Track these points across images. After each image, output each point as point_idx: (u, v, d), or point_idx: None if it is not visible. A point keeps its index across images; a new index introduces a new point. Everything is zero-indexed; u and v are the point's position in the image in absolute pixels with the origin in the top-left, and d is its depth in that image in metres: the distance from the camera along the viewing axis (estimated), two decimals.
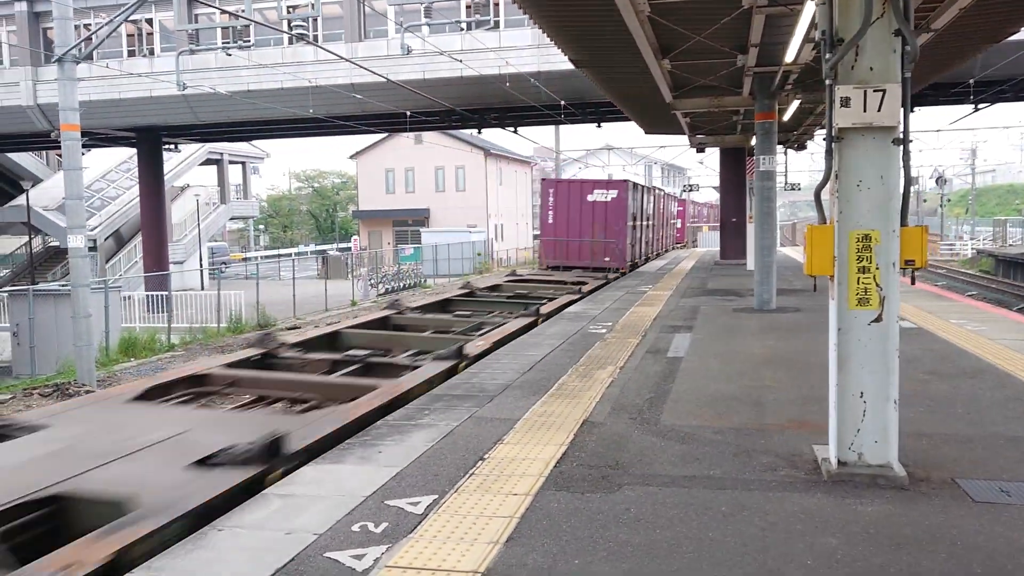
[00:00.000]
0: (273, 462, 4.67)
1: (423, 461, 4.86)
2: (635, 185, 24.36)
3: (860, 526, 3.80)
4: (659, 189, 33.97)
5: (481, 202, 54.02)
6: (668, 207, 35.76)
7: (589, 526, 3.85)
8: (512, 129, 29.38)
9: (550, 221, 22.85)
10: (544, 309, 12.29)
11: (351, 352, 8.95)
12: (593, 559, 3.49)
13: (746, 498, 4.19)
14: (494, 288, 17.15)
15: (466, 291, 15.92)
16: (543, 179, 25.93)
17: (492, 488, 4.38)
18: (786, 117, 16.17)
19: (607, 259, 22.08)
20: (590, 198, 22.64)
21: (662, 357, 8.28)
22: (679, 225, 41.72)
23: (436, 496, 4.25)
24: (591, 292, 15.76)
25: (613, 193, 22.59)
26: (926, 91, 20.78)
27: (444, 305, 14.20)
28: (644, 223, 26.01)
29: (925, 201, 60.83)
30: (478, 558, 3.50)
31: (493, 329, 10.52)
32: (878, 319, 4.38)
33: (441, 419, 5.84)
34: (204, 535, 3.77)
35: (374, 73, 19.63)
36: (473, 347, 8.63)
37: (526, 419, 5.82)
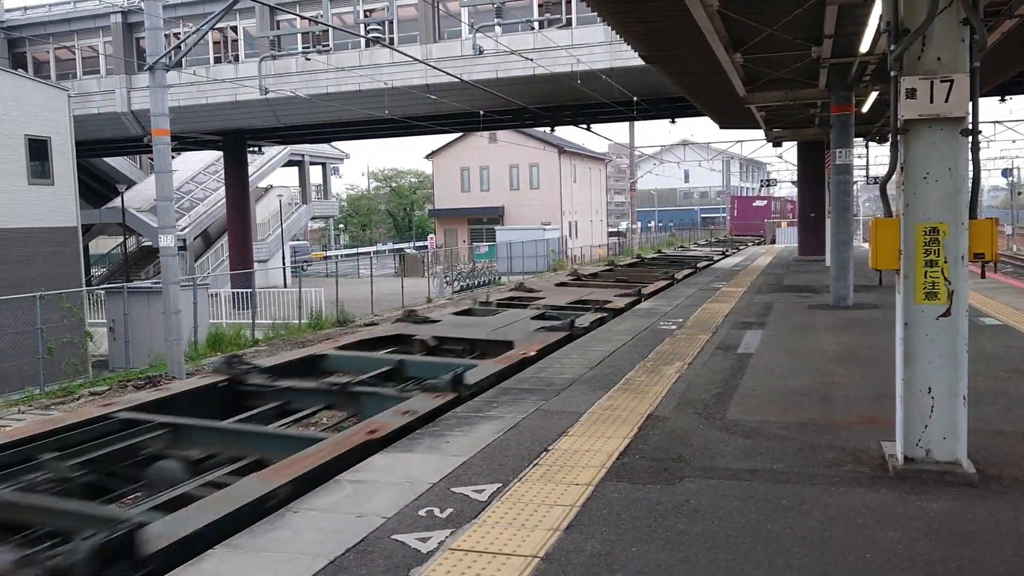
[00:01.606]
0: (459, 390, 6.39)
1: (489, 451, 5.00)
2: (776, 197, 60.36)
3: (924, 521, 3.77)
4: (782, 197, 63.88)
5: (555, 200, 54.10)
6: (786, 207, 62.62)
7: (648, 516, 3.92)
8: (585, 126, 29.39)
9: (735, 215, 60.22)
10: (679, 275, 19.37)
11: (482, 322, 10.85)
12: (650, 547, 3.57)
13: (808, 492, 4.19)
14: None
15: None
16: (731, 196, 70.27)
17: (555, 478, 4.49)
18: (864, 109, 15.76)
19: (762, 233, 49.79)
20: (754, 204, 59.80)
21: (732, 353, 8.24)
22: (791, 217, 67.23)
23: (500, 484, 4.39)
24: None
25: (764, 202, 59.65)
26: (1018, 79, 19.88)
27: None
28: (776, 215, 56.82)
29: (1020, 194, 58.04)
30: (538, 543, 3.62)
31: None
32: (946, 313, 4.31)
33: (508, 411, 5.98)
34: (281, 516, 4.00)
35: (448, 74, 19.94)
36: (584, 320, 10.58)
37: (591, 412, 5.91)
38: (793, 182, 34.77)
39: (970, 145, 4.28)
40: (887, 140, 26.42)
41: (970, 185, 4.31)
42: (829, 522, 3.79)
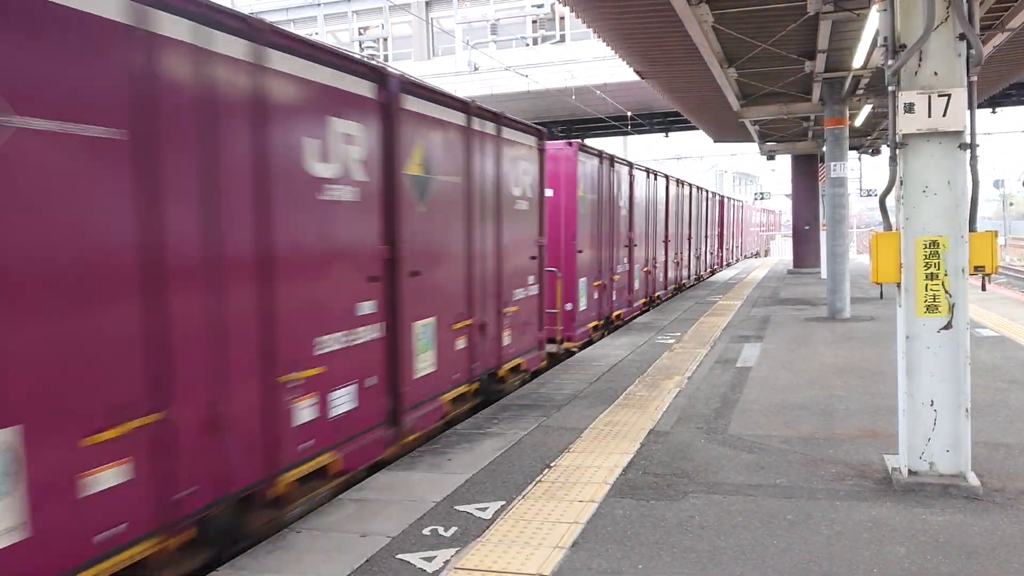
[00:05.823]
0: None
1: (491, 468, 4.98)
2: None
3: (929, 535, 3.77)
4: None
5: None
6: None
7: (653, 532, 3.90)
8: (579, 141, 29.48)
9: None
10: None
11: None
12: (657, 564, 3.55)
13: (812, 507, 4.18)
14: None
15: None
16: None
17: (558, 495, 4.47)
18: (858, 122, 15.82)
19: None
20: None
21: (731, 367, 8.24)
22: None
23: (503, 502, 4.37)
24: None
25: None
26: (1008, 91, 20.03)
27: None
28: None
29: (1011, 204, 58.40)
30: (543, 561, 3.60)
31: None
32: (947, 326, 4.32)
33: (509, 428, 5.96)
34: (283, 536, 3.97)
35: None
36: None
37: (593, 428, 5.90)
38: (787, 195, 34.93)
39: (968, 158, 4.30)
40: (880, 153, 26.61)
41: (969, 198, 4.33)
42: (835, 537, 3.78)
